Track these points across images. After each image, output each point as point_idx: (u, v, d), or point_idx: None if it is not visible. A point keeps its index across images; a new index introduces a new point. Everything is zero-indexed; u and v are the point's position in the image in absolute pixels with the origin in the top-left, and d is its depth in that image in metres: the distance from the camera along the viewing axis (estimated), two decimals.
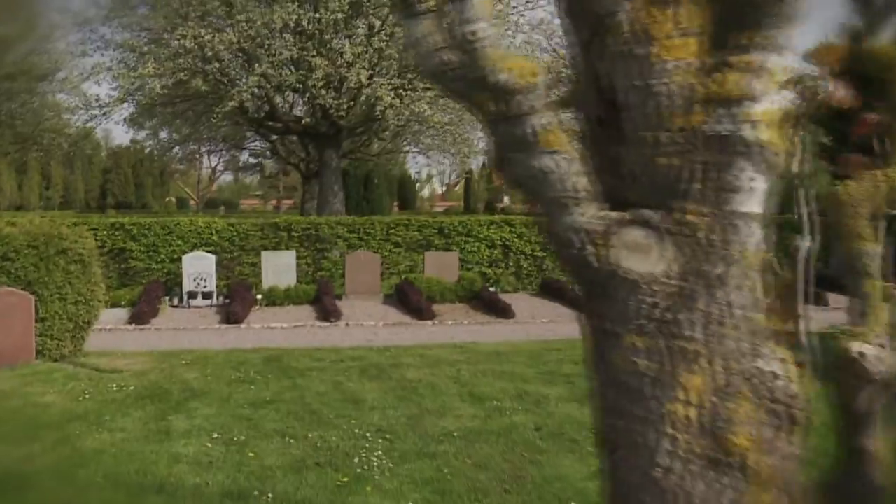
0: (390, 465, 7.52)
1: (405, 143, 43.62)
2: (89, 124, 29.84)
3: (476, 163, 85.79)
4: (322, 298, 18.25)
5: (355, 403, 9.82)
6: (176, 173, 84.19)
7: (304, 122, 27.42)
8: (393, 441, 8.25)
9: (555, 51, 41.19)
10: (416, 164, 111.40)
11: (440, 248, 21.51)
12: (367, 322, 16.87)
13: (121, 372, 11.51)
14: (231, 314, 16.51)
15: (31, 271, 11.86)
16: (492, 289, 20.10)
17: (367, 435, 8.44)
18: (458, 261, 20.88)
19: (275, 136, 39.83)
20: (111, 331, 15.74)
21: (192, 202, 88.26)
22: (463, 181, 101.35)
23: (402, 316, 17.76)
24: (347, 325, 16.59)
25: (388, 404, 9.81)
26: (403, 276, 21.08)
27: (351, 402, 9.85)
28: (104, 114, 26.87)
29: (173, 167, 78.50)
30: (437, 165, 57.89)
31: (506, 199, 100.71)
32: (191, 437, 8.31)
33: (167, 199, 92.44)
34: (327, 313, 16.99)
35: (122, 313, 17.36)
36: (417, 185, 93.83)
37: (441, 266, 20.47)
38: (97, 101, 26.80)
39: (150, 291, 17.95)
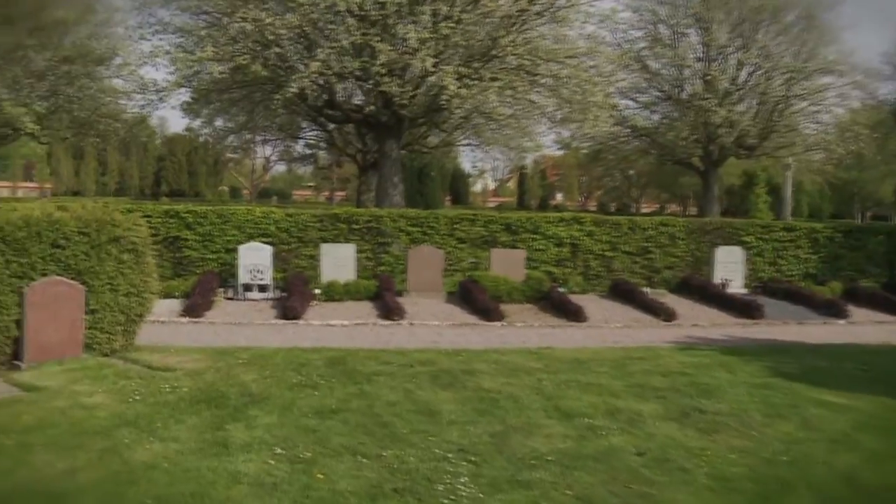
0: (480, 494, 6.53)
1: (463, 136, 42.62)
2: (146, 109, 29.31)
3: (530, 158, 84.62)
4: (383, 295, 17.34)
5: (430, 416, 8.85)
6: (230, 162, 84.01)
7: (365, 110, 26.51)
8: (479, 464, 7.25)
9: (619, 45, 40.09)
10: (469, 159, 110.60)
11: (506, 244, 20.50)
12: (432, 322, 15.92)
13: (174, 370, 10.67)
14: (288, 309, 15.66)
15: (81, 260, 11.07)
16: (560, 289, 19.04)
17: (449, 456, 7.45)
18: (525, 259, 19.85)
19: (332, 126, 39.11)
20: (164, 323, 14.97)
21: (244, 192, 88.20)
22: (516, 177, 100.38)
23: (468, 316, 16.79)
24: (412, 324, 15.65)
25: (467, 418, 8.84)
26: (466, 274, 20.11)
27: (425, 415, 8.89)
28: (160, 98, 26.24)
29: (227, 156, 78.39)
30: (490, 160, 56.89)
31: (559, 195, 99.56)
32: (251, 452, 7.39)
33: (220, 188, 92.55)
34: (390, 311, 16.06)
35: (176, 304, 16.61)
36: (470, 179, 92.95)
37: (507, 264, 19.47)
38: (154, 85, 26.16)
39: (205, 283, 17.18)
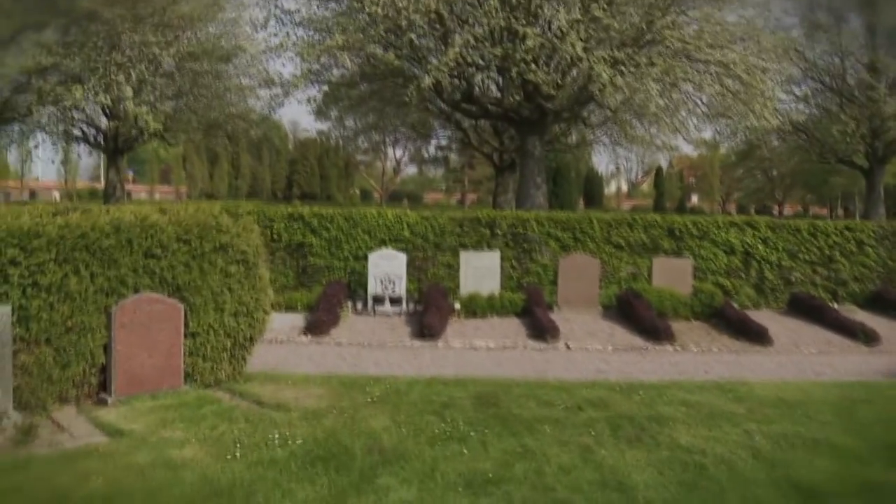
0: None
1: (605, 133, 39.88)
2: (272, 106, 27.83)
3: (666, 159, 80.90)
4: (533, 310, 15.01)
5: (621, 492, 6.48)
6: (360, 165, 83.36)
7: (506, 102, 24.22)
8: None
9: (773, 32, 36.62)
10: (602, 160, 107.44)
11: (669, 252, 17.89)
12: (592, 344, 13.51)
13: (288, 410, 8.62)
14: (426, 327, 13.51)
15: (180, 273, 9.15)
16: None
17: None
18: (693, 268, 17.20)
19: (466, 124, 37.04)
20: (283, 343, 13.06)
21: (375, 194, 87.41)
22: (651, 178, 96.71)
23: (632, 336, 14.30)
24: (568, 346, 13.28)
25: (671, 495, 6.43)
26: (623, 286, 17.60)
27: (616, 491, 6.51)
28: (286, 93, 24.58)
29: (357, 159, 77.76)
30: (624, 161, 53.95)
31: (694, 198, 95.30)
32: None
33: (351, 190, 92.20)
34: (542, 330, 13.73)
35: (299, 319, 14.71)
36: (603, 181, 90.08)
37: (671, 274, 16.85)
38: (279, 78, 24.59)
39: (330, 295, 15.20)
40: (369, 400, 9.12)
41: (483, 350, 12.97)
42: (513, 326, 14.80)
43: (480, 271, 16.36)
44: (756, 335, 14.29)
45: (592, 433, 8.04)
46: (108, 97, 25.58)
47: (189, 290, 9.20)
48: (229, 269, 9.45)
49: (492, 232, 17.60)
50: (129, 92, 25.04)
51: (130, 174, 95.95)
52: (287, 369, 11.09)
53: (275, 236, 17.37)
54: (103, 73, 25.41)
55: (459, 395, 9.48)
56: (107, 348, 8.69)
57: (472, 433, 7.90)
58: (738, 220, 18.76)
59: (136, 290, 8.89)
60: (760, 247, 18.24)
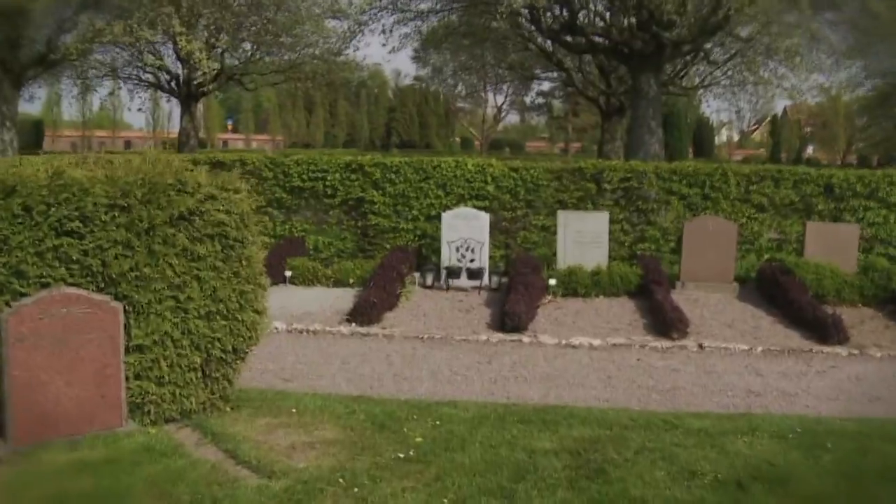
0: None
1: (726, 74, 35.51)
2: (345, 39, 24.60)
3: (781, 106, 75.17)
4: (651, 290, 11.47)
5: None
6: (460, 112, 79.94)
7: (615, 32, 20.39)
8: None
9: None
10: (712, 107, 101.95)
11: (825, 215, 14.01)
12: (733, 342, 9.87)
13: (270, 476, 5.41)
14: (508, 316, 10.09)
15: (115, 257, 5.97)
16: None
17: None
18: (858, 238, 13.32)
19: (569, 64, 33.23)
20: (316, 335, 9.89)
21: (476, 143, 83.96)
22: (768, 126, 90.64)
23: (785, 330, 10.62)
24: (701, 346, 9.68)
25: None
26: (765, 256, 13.87)
27: None
28: (359, 24, 21.27)
29: (457, 106, 74.50)
30: (738, 107, 49.09)
31: (809, 148, 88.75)
32: None
33: (451, 139, 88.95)
34: (665, 322, 10.17)
35: (346, 298, 11.54)
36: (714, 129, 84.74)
37: (830, 244, 13.01)
38: (349, 4, 21.28)
39: (387, 268, 11.92)
40: (402, 456, 5.80)
41: (584, 350, 9.50)
42: (625, 313, 11.28)
43: (584, 236, 12.82)
44: None
45: None
46: (155, 33, 22.64)
47: (131, 282, 6.01)
48: (197, 250, 6.21)
49: (598, 187, 14.01)
50: (177, 26, 22.01)
51: (230, 123, 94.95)
52: (303, 382, 7.94)
53: (328, 191, 14.19)
54: (149, 4, 22.37)
55: (545, 446, 6.07)
56: None
57: None
58: None
59: (44, 286, 5.76)
60: None
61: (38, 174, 5.95)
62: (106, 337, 5.93)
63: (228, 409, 6.70)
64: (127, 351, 6.07)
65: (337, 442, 6.07)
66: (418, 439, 6.13)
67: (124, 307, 6.01)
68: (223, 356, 6.49)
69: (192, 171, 6.44)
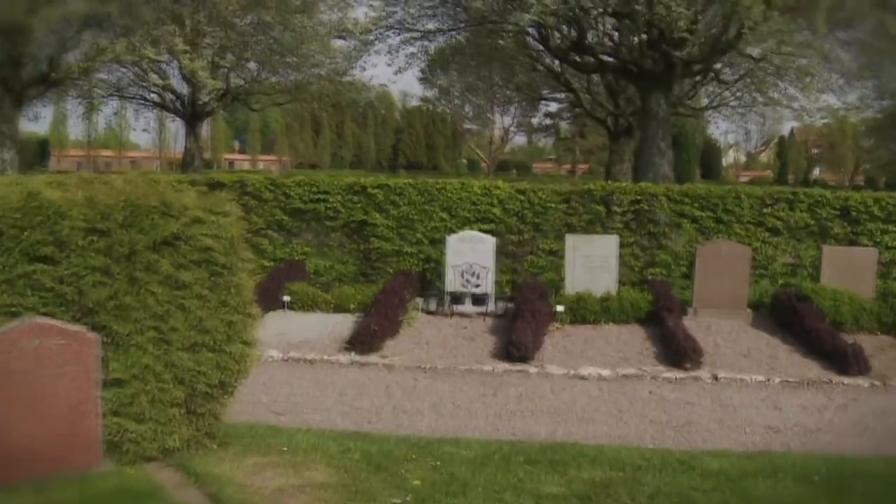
0: None
1: (734, 95, 35.24)
2: (351, 58, 24.30)
3: (788, 127, 74.80)
4: (662, 317, 11.02)
5: None
6: (467, 134, 79.65)
7: (624, 51, 20.02)
8: None
9: None
10: (716, 127, 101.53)
11: (840, 238, 13.56)
12: (749, 373, 9.43)
13: None
14: (514, 346, 9.66)
15: (93, 285, 5.57)
16: None
17: None
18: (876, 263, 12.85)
19: (577, 85, 32.94)
20: (313, 364, 9.48)
21: (483, 164, 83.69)
22: (775, 148, 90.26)
23: (802, 360, 10.15)
24: (716, 377, 9.25)
25: None
26: (779, 280, 13.42)
27: None
28: (364, 44, 20.95)
29: (464, 127, 74.24)
30: (745, 128, 48.58)
31: (816, 170, 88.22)
32: None
33: (458, 160, 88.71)
34: (677, 352, 9.73)
35: (346, 325, 11.12)
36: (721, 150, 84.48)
37: (847, 269, 12.51)
38: (355, 23, 20.94)
39: (389, 293, 11.48)
40: (398, 502, 5.37)
41: (593, 381, 9.06)
42: (635, 340, 10.83)
43: (592, 261, 12.36)
44: None
45: None
46: (158, 51, 22.34)
47: (109, 311, 5.61)
48: (181, 277, 5.81)
49: (608, 210, 13.58)
50: (180, 45, 21.71)
51: (236, 144, 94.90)
52: (297, 416, 7.53)
53: (330, 213, 13.80)
54: (152, 23, 22.08)
55: (553, 490, 5.63)
56: None
57: None
58: None
59: (14, 315, 5.36)
60: None
61: (12, 196, 5.57)
62: (81, 370, 5.52)
63: (215, 446, 6.27)
64: (104, 385, 5.66)
65: (329, 485, 5.64)
66: (416, 482, 5.69)
67: (102, 338, 5.60)
68: (209, 391, 6.07)
69: (179, 192, 6.05)
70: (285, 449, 6.32)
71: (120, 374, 5.69)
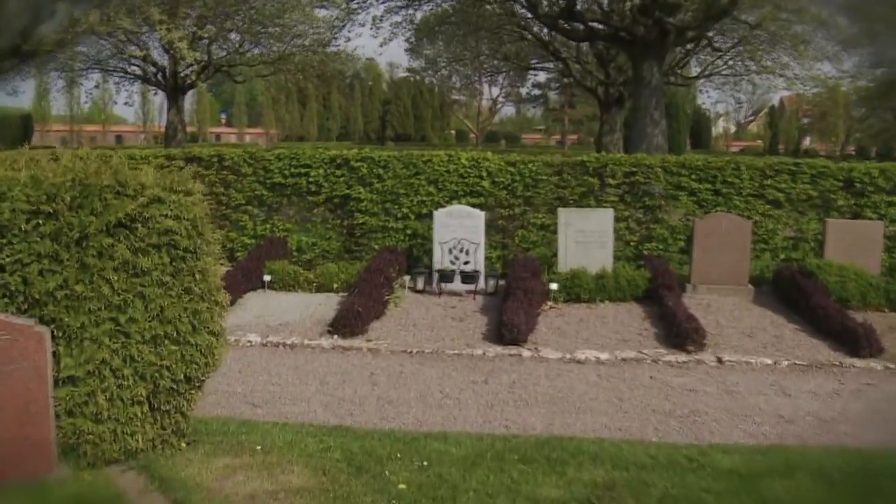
0: None
1: (726, 65, 34.63)
2: (333, 27, 23.60)
3: (777, 97, 74.42)
4: (661, 295, 10.55)
5: None
6: (455, 105, 78.81)
7: (615, 18, 19.39)
8: None
9: None
10: (706, 97, 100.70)
11: (845, 211, 13.08)
12: (755, 356, 8.95)
13: None
14: (506, 327, 9.16)
15: (39, 272, 5.03)
16: None
17: None
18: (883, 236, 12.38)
19: (566, 54, 32.31)
20: (294, 348, 8.96)
21: (471, 135, 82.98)
22: (764, 118, 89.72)
23: (809, 339, 9.68)
24: (720, 360, 8.77)
25: None
26: (781, 255, 12.95)
27: None
28: (348, 13, 20.26)
29: (452, 98, 73.43)
30: (736, 98, 48.11)
31: (807, 139, 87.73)
32: None
33: (447, 131, 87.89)
34: (679, 333, 9.24)
35: (330, 305, 10.61)
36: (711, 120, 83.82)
37: (853, 243, 12.04)
38: None
39: (375, 271, 10.97)
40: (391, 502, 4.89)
41: (591, 366, 8.56)
42: (633, 320, 10.34)
43: (586, 236, 11.86)
44: None
45: None
46: (134, 22, 21.59)
47: (59, 302, 5.08)
48: (140, 263, 5.26)
49: (602, 182, 13.06)
50: (156, 15, 20.98)
51: (223, 117, 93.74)
52: (274, 408, 7.00)
53: (312, 187, 13.25)
54: None
55: (552, 494, 5.14)
56: None
57: None
58: None
59: None
60: None
61: None
62: (30, 368, 4.99)
63: (183, 445, 5.77)
64: (56, 384, 5.14)
65: (305, 490, 5.13)
66: (402, 486, 5.20)
67: (52, 332, 5.07)
68: (174, 386, 5.55)
69: (136, 169, 5.49)
70: (259, 448, 5.81)
71: (74, 370, 5.16)
